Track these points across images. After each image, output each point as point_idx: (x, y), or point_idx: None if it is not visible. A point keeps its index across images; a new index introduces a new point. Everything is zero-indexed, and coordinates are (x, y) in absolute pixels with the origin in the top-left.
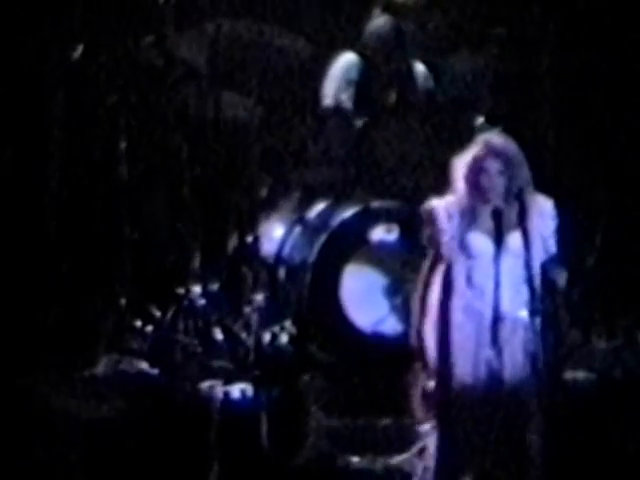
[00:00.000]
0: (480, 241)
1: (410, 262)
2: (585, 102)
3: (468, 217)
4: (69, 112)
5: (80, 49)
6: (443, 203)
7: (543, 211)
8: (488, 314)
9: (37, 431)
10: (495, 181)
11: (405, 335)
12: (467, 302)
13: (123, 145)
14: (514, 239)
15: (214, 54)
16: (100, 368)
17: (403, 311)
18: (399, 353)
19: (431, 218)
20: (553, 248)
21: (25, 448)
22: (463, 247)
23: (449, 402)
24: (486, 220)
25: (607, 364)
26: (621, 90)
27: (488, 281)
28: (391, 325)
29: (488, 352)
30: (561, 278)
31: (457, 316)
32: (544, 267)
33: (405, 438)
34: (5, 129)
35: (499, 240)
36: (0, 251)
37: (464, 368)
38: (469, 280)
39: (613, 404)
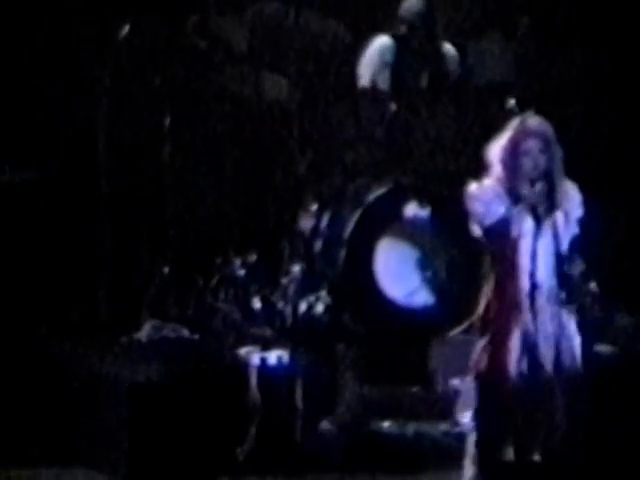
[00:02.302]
0: (525, 220)
1: (441, 237)
2: (614, 90)
3: (511, 198)
4: (114, 92)
5: (126, 29)
6: (486, 185)
7: (572, 195)
8: (526, 284)
9: (83, 395)
10: (537, 161)
11: (434, 306)
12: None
13: (167, 124)
14: (556, 220)
15: (255, 37)
16: (143, 333)
17: (433, 284)
18: (429, 323)
19: (475, 200)
20: (576, 230)
21: (71, 412)
22: (507, 228)
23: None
24: (532, 201)
25: (630, 339)
26: None
27: (527, 256)
28: (422, 297)
29: (526, 315)
30: (577, 267)
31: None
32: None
33: (434, 405)
34: (52, 110)
35: (540, 219)
36: (50, 222)
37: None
38: (514, 256)
39: (636, 378)
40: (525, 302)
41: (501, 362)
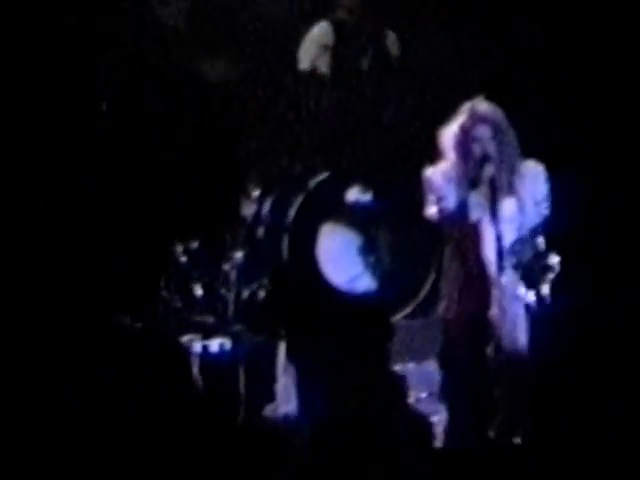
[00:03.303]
0: (477, 206)
1: (384, 222)
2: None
3: (465, 183)
4: (59, 72)
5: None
6: (440, 170)
7: (535, 176)
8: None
9: None
10: (488, 147)
11: (378, 291)
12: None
13: (105, 107)
14: (507, 205)
15: (196, 18)
16: None
17: (377, 269)
18: (372, 308)
19: (430, 185)
20: (546, 211)
21: None
22: (463, 212)
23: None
24: (482, 186)
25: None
26: (600, 55)
27: (483, 239)
28: (365, 282)
29: (482, 297)
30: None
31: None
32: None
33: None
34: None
35: (494, 206)
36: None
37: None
38: (471, 239)
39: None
40: (481, 284)
41: (458, 341)
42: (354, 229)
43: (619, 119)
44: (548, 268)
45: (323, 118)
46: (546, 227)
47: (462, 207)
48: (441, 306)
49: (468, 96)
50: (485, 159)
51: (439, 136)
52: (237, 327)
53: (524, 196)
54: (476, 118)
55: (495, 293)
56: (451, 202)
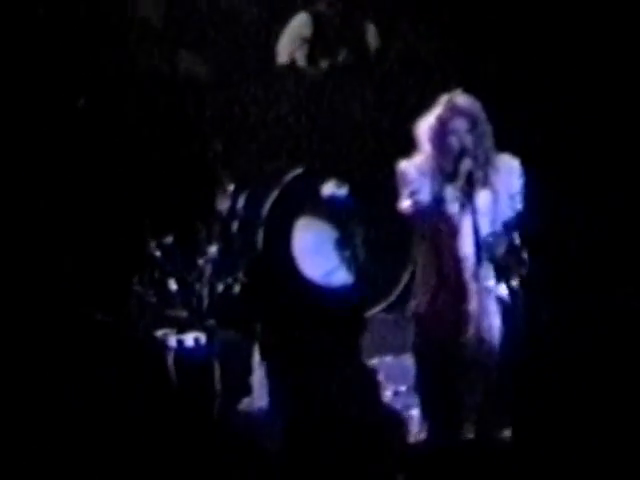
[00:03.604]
0: (453, 199)
1: (360, 216)
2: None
3: (440, 177)
4: (34, 67)
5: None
6: (414, 163)
7: (510, 169)
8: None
9: None
10: (465, 140)
11: (353, 286)
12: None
13: (81, 103)
14: (483, 197)
15: (171, 13)
16: None
17: (352, 263)
18: (348, 303)
19: (404, 178)
20: (519, 205)
21: None
22: (438, 205)
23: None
24: (458, 179)
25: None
26: (576, 50)
27: (457, 233)
28: (341, 276)
29: (456, 290)
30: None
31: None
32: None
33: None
34: None
35: (469, 198)
36: None
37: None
38: (446, 233)
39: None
40: (457, 278)
41: (434, 336)
42: (329, 223)
43: (596, 114)
44: (521, 262)
45: (300, 111)
46: (519, 221)
47: (437, 201)
48: (414, 301)
49: (446, 89)
50: (463, 152)
51: (415, 128)
52: (212, 321)
53: (499, 189)
54: (454, 110)
55: (473, 287)
56: (425, 195)
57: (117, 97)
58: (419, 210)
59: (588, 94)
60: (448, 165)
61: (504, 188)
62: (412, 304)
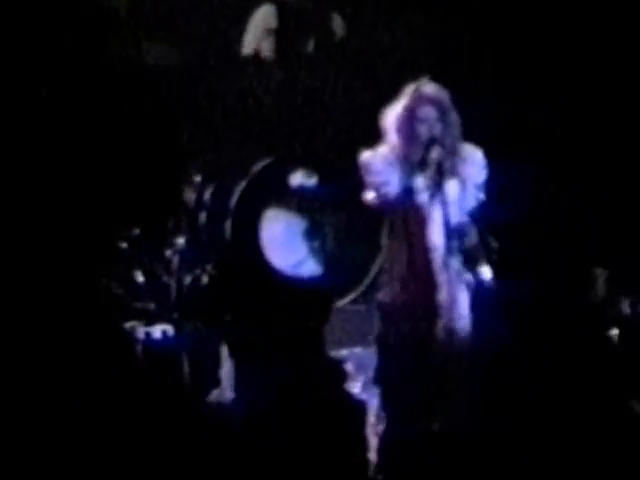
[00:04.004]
0: (423, 189)
1: (329, 206)
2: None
3: (408, 166)
4: None
5: None
6: (379, 154)
7: (474, 159)
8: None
9: None
10: (433, 128)
11: (322, 276)
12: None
13: (45, 92)
14: (452, 186)
15: (137, 2)
16: None
17: (321, 254)
18: (317, 293)
19: (370, 169)
20: (482, 196)
21: None
22: (407, 196)
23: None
24: (428, 168)
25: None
26: (545, 41)
27: (427, 223)
28: (310, 267)
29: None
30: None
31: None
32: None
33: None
34: None
35: (439, 187)
36: None
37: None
38: (415, 223)
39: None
40: (426, 268)
41: (401, 325)
42: (298, 214)
43: (563, 104)
44: (489, 252)
45: (267, 102)
46: (485, 210)
47: (407, 191)
48: (382, 290)
49: (413, 78)
50: (432, 141)
51: (381, 117)
52: (180, 313)
53: (466, 178)
54: (422, 99)
55: (443, 277)
56: (394, 186)
57: (82, 87)
58: (387, 201)
59: (553, 83)
60: (416, 154)
61: (470, 177)
62: (380, 293)
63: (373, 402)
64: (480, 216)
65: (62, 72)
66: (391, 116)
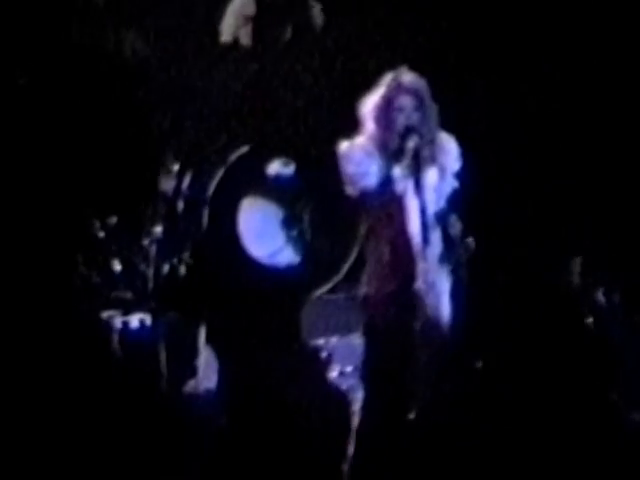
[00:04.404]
0: (401, 178)
1: (306, 195)
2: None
3: (386, 156)
4: None
5: None
6: (358, 144)
7: (449, 148)
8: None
9: None
10: (411, 118)
11: (300, 266)
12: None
13: (22, 80)
14: (430, 175)
15: None
16: None
17: (299, 243)
18: (294, 283)
19: (349, 160)
20: (455, 184)
21: None
22: (385, 186)
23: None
24: (405, 157)
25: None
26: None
27: (406, 213)
28: (287, 256)
29: (405, 271)
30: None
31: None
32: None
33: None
34: None
35: (417, 176)
36: None
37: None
38: (394, 214)
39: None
40: (405, 257)
41: (383, 316)
42: (275, 203)
43: (541, 94)
44: (467, 242)
45: (244, 90)
46: (458, 199)
47: (385, 181)
48: (364, 283)
49: (391, 67)
50: (408, 130)
51: (359, 107)
52: (157, 303)
53: (444, 166)
54: (400, 88)
55: (421, 266)
56: (373, 177)
57: (59, 75)
58: (368, 192)
59: (531, 74)
60: (393, 143)
61: (448, 166)
62: (362, 286)
63: (356, 392)
64: (455, 204)
65: (38, 60)
66: (369, 105)
